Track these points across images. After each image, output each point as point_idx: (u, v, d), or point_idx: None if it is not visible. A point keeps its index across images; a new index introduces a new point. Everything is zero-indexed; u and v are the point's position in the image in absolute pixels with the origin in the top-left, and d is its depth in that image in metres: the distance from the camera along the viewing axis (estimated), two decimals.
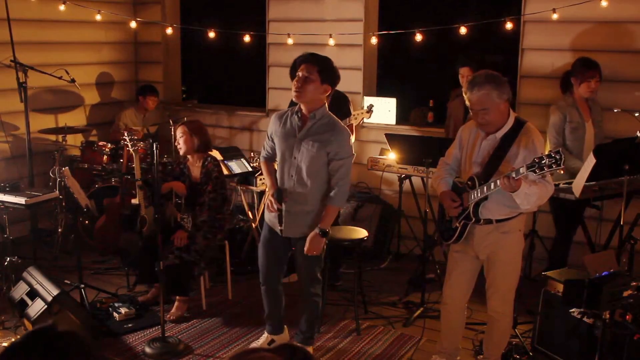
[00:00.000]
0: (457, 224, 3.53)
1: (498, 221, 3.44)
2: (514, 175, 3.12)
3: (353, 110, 5.03)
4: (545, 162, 3.01)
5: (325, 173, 3.67)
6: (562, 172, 3.07)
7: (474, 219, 3.46)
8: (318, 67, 3.58)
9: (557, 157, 2.98)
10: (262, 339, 4.14)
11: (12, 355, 1.49)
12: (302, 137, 3.66)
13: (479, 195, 3.38)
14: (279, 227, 3.77)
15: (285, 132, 3.72)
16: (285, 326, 4.19)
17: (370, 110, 4.77)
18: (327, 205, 3.67)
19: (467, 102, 3.39)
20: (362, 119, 4.78)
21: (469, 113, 3.48)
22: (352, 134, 4.77)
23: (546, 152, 3.09)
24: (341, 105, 4.96)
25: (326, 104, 3.72)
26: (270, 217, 3.86)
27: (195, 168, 4.66)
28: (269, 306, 4.04)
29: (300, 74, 3.59)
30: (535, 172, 3.04)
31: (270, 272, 3.95)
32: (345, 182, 3.67)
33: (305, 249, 3.68)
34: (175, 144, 4.70)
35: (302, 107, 3.70)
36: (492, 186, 3.30)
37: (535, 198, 3.24)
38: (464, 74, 5.08)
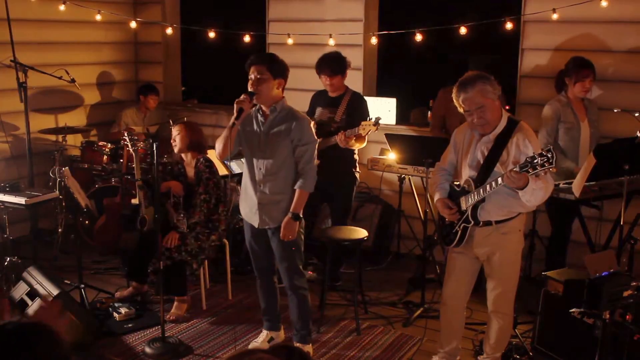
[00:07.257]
0: (457, 228, 3.53)
1: (497, 222, 3.44)
2: (517, 169, 3.11)
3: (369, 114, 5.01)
4: (537, 162, 3.00)
5: (291, 160, 3.80)
6: (554, 170, 3.06)
7: (472, 222, 3.46)
8: (267, 66, 3.70)
9: (549, 155, 2.96)
10: (262, 337, 4.20)
11: None
12: (267, 130, 3.80)
13: (476, 198, 3.38)
14: (256, 221, 3.89)
15: (249, 130, 3.85)
16: (282, 326, 4.23)
17: (377, 123, 4.75)
18: (297, 190, 3.79)
19: (460, 107, 3.37)
20: (369, 131, 4.75)
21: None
22: (364, 142, 4.82)
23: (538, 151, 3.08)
24: (360, 106, 4.94)
25: (284, 98, 3.83)
26: (245, 212, 3.99)
27: (191, 168, 4.70)
28: (264, 300, 4.15)
29: (252, 76, 3.72)
30: (528, 172, 3.03)
31: (261, 264, 4.08)
32: (311, 166, 3.80)
33: (281, 234, 3.80)
34: (172, 141, 4.71)
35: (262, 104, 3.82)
36: (489, 188, 3.29)
37: (543, 192, 3.22)
38: None
